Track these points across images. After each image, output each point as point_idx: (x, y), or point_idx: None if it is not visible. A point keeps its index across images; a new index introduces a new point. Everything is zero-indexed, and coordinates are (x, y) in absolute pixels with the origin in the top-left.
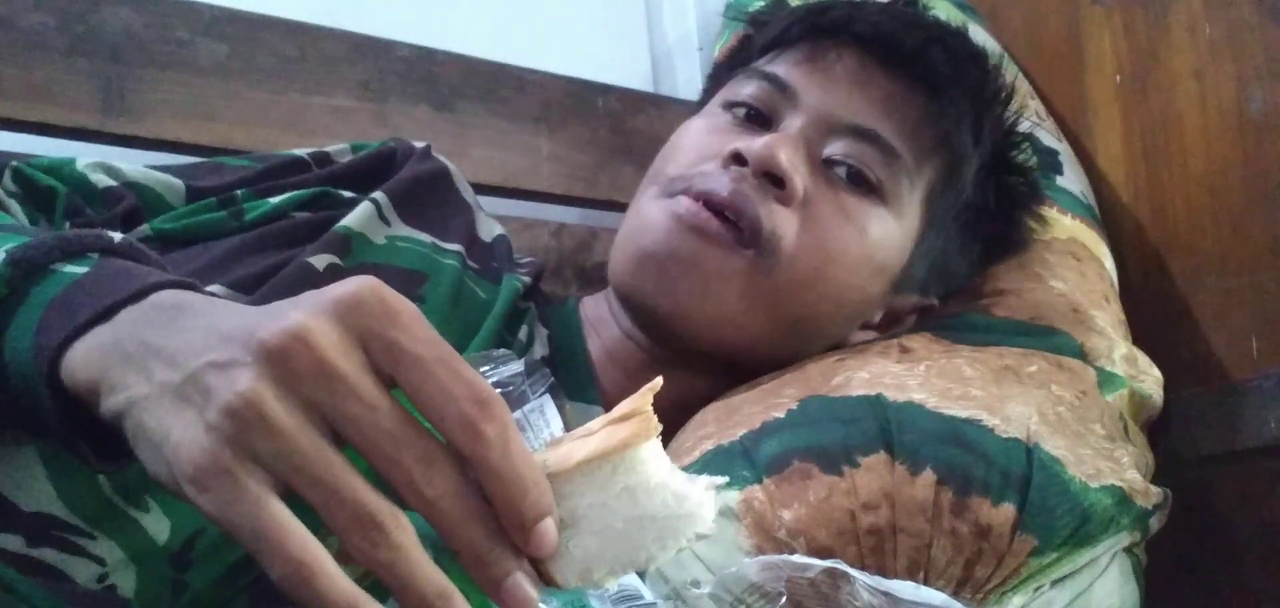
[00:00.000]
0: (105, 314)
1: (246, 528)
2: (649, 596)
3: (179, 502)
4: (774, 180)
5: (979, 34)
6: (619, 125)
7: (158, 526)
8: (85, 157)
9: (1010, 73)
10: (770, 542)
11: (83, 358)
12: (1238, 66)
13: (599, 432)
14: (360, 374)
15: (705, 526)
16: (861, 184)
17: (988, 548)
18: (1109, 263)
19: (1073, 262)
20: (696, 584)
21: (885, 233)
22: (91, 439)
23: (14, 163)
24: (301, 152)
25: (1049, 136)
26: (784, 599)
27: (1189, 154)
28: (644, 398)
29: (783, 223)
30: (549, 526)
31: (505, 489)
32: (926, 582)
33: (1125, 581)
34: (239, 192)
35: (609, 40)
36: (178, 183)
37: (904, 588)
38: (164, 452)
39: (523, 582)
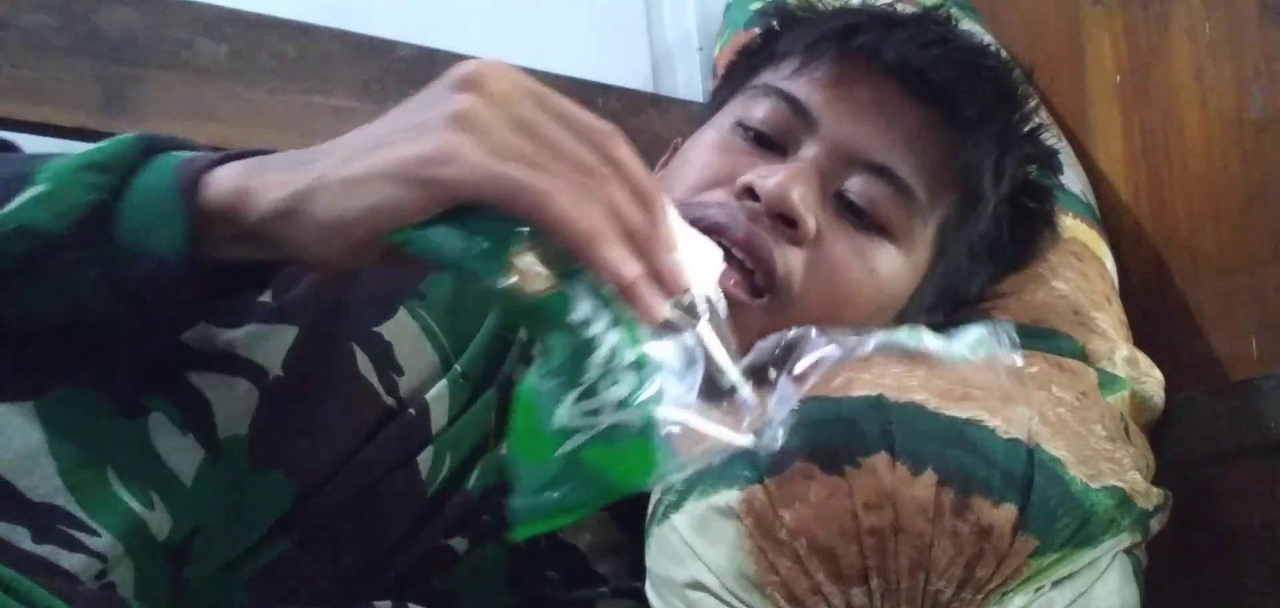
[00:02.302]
0: (243, 156)
1: (503, 179)
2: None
3: (182, 497)
4: (786, 221)
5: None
6: (619, 125)
7: (159, 522)
8: None
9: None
10: (771, 542)
11: (228, 172)
12: (1238, 66)
13: None
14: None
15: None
16: (874, 223)
17: (989, 548)
18: (1109, 263)
19: (1074, 261)
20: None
21: (895, 271)
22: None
23: None
24: None
25: (1049, 137)
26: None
27: (1189, 154)
28: None
29: (794, 263)
30: None
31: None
32: (928, 582)
33: (1126, 582)
34: None
35: (609, 40)
36: None
37: None
38: (377, 174)
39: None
